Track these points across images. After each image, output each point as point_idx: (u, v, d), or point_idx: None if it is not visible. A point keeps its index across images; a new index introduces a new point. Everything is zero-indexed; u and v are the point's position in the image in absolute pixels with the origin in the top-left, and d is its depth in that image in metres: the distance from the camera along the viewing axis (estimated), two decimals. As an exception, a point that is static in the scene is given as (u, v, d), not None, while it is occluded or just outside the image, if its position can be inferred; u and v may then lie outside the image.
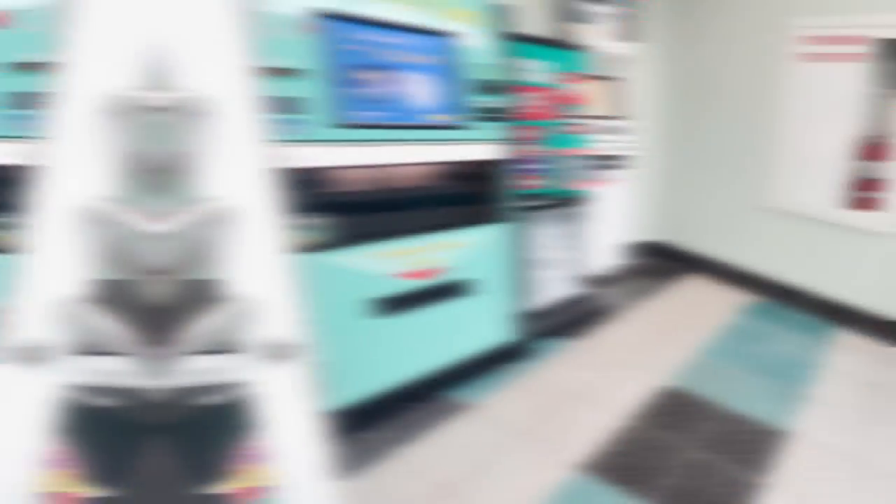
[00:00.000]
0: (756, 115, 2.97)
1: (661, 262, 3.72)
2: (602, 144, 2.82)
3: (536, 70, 2.13)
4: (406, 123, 1.55)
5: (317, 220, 1.41)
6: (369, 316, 1.60)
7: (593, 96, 2.78)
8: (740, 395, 2.02)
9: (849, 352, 2.44)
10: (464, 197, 1.93)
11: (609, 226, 3.10)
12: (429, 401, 1.87)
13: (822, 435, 1.78)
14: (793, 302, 2.92)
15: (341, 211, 1.49)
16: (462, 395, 1.93)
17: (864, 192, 2.61)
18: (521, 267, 2.05)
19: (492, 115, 1.76)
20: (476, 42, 1.72)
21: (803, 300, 2.86)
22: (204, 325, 0.73)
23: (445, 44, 1.63)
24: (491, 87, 1.75)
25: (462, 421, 1.78)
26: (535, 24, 2.50)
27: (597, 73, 2.79)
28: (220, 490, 0.78)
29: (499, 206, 1.92)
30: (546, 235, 2.52)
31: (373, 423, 1.70)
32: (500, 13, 1.79)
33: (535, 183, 2.25)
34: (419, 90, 1.59)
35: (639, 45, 3.10)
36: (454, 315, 1.87)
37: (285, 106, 1.30)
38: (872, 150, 2.55)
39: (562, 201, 2.44)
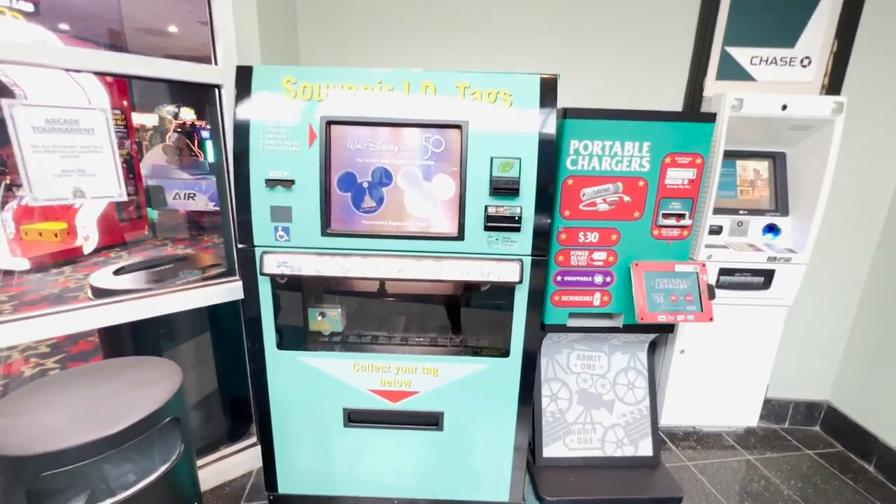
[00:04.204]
0: None
1: (825, 446, 2.33)
2: (734, 253, 1.98)
3: (616, 154, 1.56)
4: (401, 233, 1.38)
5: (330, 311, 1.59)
6: (336, 423, 1.57)
7: (747, 183, 2.04)
8: None
9: None
10: (461, 319, 1.73)
11: (724, 369, 2.16)
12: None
13: None
14: None
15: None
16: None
17: None
18: (529, 407, 1.57)
19: (514, 222, 1.35)
20: (507, 127, 1.31)
21: None
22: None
23: (459, 137, 1.32)
24: (515, 187, 1.33)
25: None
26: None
27: (743, 148, 1.98)
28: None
29: (506, 333, 1.49)
30: (604, 367, 1.96)
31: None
32: (546, 87, 1.29)
33: (594, 300, 1.72)
34: (421, 196, 1.37)
35: (843, 99, 1.80)
36: (426, 449, 1.61)
37: (282, 214, 1.35)
38: None
39: (636, 326, 1.72)
